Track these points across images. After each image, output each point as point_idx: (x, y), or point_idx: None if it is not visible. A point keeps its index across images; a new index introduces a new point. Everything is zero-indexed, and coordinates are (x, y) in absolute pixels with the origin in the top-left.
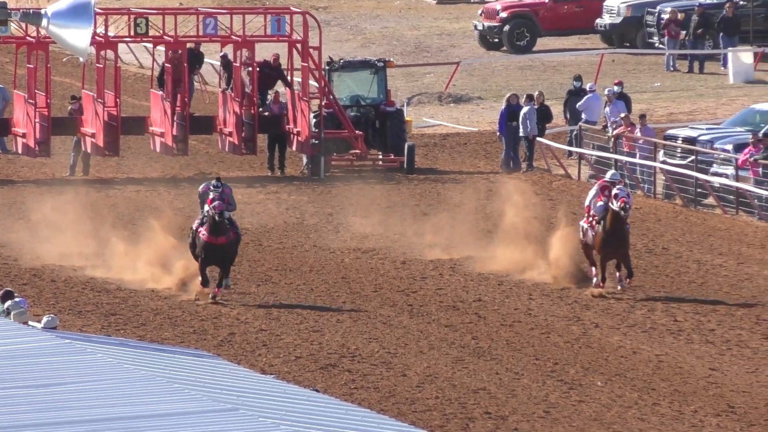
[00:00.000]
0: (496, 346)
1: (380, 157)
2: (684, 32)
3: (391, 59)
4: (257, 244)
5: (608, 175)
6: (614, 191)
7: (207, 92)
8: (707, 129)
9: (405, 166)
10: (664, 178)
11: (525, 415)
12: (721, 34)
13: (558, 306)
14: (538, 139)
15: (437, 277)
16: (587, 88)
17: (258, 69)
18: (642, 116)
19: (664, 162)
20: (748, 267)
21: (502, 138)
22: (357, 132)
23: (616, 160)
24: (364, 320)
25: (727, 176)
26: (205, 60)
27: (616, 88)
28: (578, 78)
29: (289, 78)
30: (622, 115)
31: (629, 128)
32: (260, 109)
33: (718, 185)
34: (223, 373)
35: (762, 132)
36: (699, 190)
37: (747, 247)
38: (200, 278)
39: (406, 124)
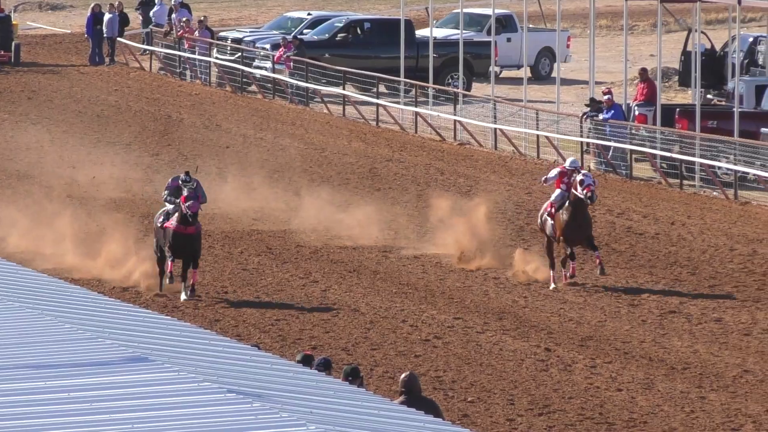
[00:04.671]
0: None
1: None
2: None
3: None
4: None
5: (568, 162)
6: (579, 177)
7: None
8: (250, 32)
9: (12, 60)
10: (217, 70)
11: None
12: None
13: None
14: (118, 39)
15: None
16: None
17: None
18: (200, 21)
19: (217, 58)
20: (282, 140)
21: (90, 38)
22: None
23: (179, 56)
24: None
25: (266, 69)
26: None
27: None
28: None
29: None
30: (185, 19)
31: (189, 30)
32: None
33: (259, 76)
34: None
35: (292, 35)
36: (244, 80)
37: (281, 124)
38: (166, 275)
39: (14, 27)
